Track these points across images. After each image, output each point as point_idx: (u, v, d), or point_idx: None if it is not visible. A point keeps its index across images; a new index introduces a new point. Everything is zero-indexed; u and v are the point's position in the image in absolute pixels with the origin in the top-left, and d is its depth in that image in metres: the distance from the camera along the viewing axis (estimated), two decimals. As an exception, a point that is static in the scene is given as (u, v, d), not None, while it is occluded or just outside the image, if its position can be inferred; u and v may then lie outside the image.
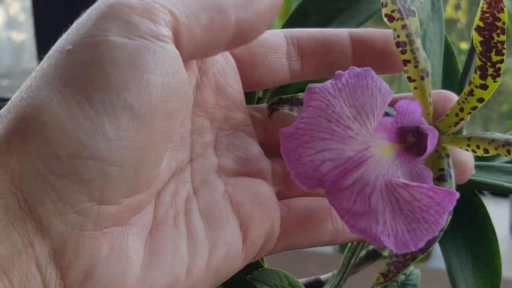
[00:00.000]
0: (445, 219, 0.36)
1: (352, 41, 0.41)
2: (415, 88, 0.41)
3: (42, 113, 0.30)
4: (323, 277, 0.57)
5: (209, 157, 0.38)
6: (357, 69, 0.37)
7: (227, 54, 0.39)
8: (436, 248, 1.15)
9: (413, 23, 0.40)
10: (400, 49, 0.40)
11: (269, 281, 0.42)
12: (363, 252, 0.56)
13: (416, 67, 0.40)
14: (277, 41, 0.41)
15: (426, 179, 0.38)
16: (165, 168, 0.35)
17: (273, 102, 0.43)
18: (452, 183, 0.41)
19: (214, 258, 0.35)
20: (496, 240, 0.48)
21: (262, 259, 0.45)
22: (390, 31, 0.40)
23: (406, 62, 0.40)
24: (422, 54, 0.40)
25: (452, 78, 0.52)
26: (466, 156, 0.43)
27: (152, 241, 0.34)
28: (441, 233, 0.40)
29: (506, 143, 0.39)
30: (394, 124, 0.38)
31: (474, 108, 0.40)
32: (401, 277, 0.47)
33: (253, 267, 0.43)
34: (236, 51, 0.39)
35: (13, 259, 0.29)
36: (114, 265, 0.32)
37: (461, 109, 0.40)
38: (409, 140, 0.39)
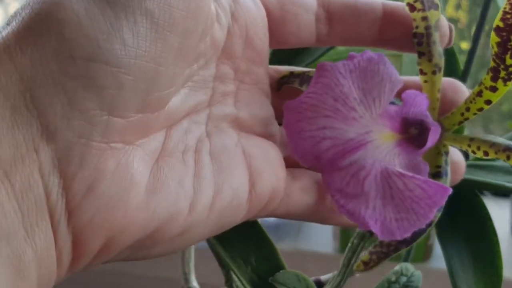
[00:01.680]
0: (434, 213, 0.36)
1: (384, 14, 0.40)
2: (425, 81, 0.40)
3: (60, 9, 0.30)
4: (323, 277, 0.57)
5: (227, 106, 0.38)
6: (370, 53, 0.37)
7: (259, 4, 0.38)
8: (437, 249, 1.15)
9: (434, 16, 0.39)
10: (417, 40, 0.40)
11: (289, 283, 0.44)
12: (363, 253, 0.56)
13: (430, 60, 0.40)
14: (308, 1, 0.40)
15: (422, 172, 0.38)
16: (181, 103, 0.35)
17: (284, 76, 0.42)
18: (447, 181, 0.41)
19: (218, 201, 0.35)
20: (497, 240, 0.48)
21: (283, 262, 0.45)
22: None
23: (420, 54, 0.40)
24: (438, 49, 0.40)
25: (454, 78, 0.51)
26: (458, 157, 0.43)
27: (158, 169, 0.33)
28: (428, 228, 0.40)
29: (506, 148, 0.38)
30: (399, 113, 0.38)
31: (481, 109, 0.40)
32: (403, 278, 0.47)
33: (275, 269, 0.44)
34: (268, 4, 0.39)
35: (15, 163, 0.29)
36: (118, 183, 0.31)
37: (467, 109, 0.40)
38: (412, 132, 0.39)
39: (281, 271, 0.44)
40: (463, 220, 0.48)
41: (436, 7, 0.39)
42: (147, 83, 0.31)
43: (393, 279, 0.47)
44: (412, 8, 0.39)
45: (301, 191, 0.39)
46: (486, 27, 0.53)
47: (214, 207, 0.35)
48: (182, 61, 0.33)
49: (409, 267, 0.47)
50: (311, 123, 0.37)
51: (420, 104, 0.38)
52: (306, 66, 0.52)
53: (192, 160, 0.35)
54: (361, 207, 0.37)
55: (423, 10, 0.39)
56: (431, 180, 0.36)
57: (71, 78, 0.29)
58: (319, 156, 0.37)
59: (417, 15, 0.39)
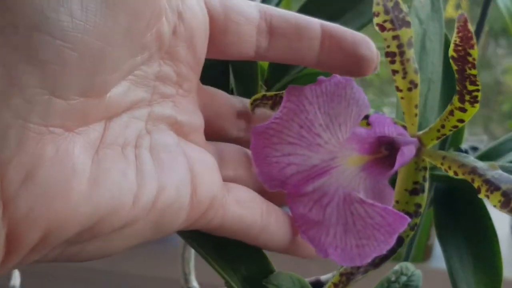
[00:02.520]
0: (394, 240, 0.37)
1: (322, 33, 0.40)
2: (402, 98, 0.41)
3: None
4: (323, 277, 0.57)
5: (168, 109, 0.36)
6: (338, 77, 0.37)
7: (205, 10, 0.37)
8: (437, 249, 1.15)
9: (406, 34, 0.39)
10: (390, 58, 0.40)
11: (283, 284, 0.43)
12: (381, 266, 0.56)
13: (404, 78, 0.40)
14: (251, 12, 0.39)
15: (387, 196, 0.38)
16: (122, 96, 0.33)
17: (256, 98, 0.43)
18: (423, 197, 0.42)
19: (162, 198, 0.33)
20: (496, 240, 0.48)
21: (272, 266, 0.45)
22: (362, 35, 0.40)
23: (394, 72, 0.40)
24: (412, 66, 0.40)
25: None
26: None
27: (99, 160, 0.31)
28: (391, 253, 0.41)
29: (471, 171, 0.38)
30: (371, 134, 0.38)
31: (455, 126, 0.40)
32: (403, 278, 0.47)
33: (267, 270, 0.44)
34: (213, 11, 0.38)
35: None
36: (59, 171, 0.29)
37: (443, 126, 0.40)
38: (382, 152, 0.39)
39: (275, 272, 0.43)
40: (463, 220, 0.48)
41: (408, 25, 0.39)
42: (92, 62, 0.30)
43: (393, 278, 0.47)
44: (382, 28, 0.39)
45: (236, 203, 0.38)
46: (486, 27, 0.53)
47: (157, 204, 0.33)
48: (129, 45, 0.32)
49: (409, 266, 0.47)
50: (277, 149, 0.38)
51: (391, 123, 0.38)
52: (299, 71, 0.52)
53: (133, 155, 0.33)
54: (322, 234, 0.38)
55: (394, 29, 0.39)
56: (389, 208, 0.37)
57: (12, 49, 0.27)
58: (284, 181, 0.38)
59: (387, 34, 0.39)
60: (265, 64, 0.54)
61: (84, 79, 0.30)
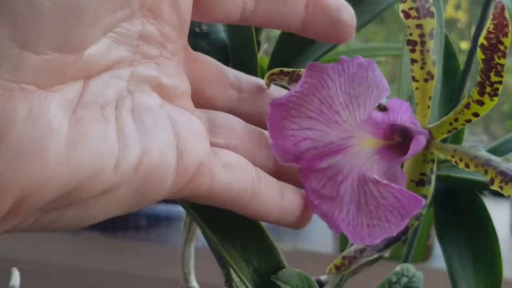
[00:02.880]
0: (406, 223, 0.37)
1: None
2: (417, 88, 0.41)
3: None
4: (323, 277, 0.57)
5: (151, 70, 0.35)
6: (361, 59, 0.37)
7: None
8: (437, 249, 1.15)
9: (430, 24, 0.39)
10: (410, 47, 0.40)
11: (292, 281, 0.43)
12: (386, 252, 0.56)
13: (422, 68, 0.40)
14: None
15: (399, 181, 0.38)
16: (102, 54, 0.31)
17: (273, 73, 0.42)
18: (430, 189, 0.42)
19: (146, 162, 0.31)
20: (496, 240, 0.48)
21: (284, 262, 0.45)
22: (342, 1, 0.39)
23: (413, 61, 0.40)
24: (432, 57, 0.40)
25: (453, 79, 0.51)
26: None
27: (78, 121, 0.29)
28: (402, 236, 0.41)
29: (485, 163, 0.38)
30: (385, 119, 0.38)
31: (469, 120, 0.40)
32: (404, 279, 0.47)
33: (277, 269, 0.44)
34: None
35: None
36: (32, 131, 0.27)
37: (456, 119, 0.40)
38: (396, 139, 0.39)
39: (283, 269, 0.44)
40: (463, 220, 0.48)
41: (432, 15, 0.39)
42: (68, 14, 0.28)
43: (394, 279, 0.47)
44: (406, 15, 0.39)
45: (224, 168, 0.37)
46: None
47: (141, 169, 0.31)
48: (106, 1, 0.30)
49: (410, 268, 0.47)
50: (295, 122, 0.38)
51: (406, 111, 0.38)
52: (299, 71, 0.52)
53: (113, 116, 0.31)
54: (335, 210, 0.38)
55: (418, 18, 0.39)
56: (405, 190, 0.37)
57: None
58: (298, 155, 0.38)
59: (411, 22, 0.39)
60: (264, 63, 0.54)
61: (59, 32, 0.28)
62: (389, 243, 0.42)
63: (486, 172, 0.38)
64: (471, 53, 0.52)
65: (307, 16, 0.39)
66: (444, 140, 0.47)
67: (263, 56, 0.60)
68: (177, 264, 0.63)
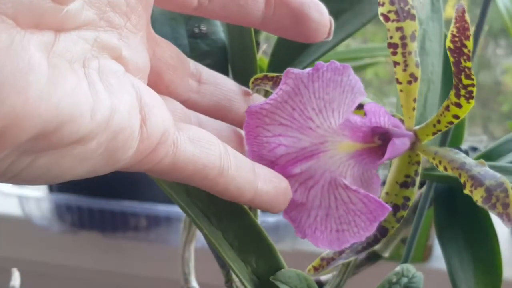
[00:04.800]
0: (374, 228, 0.37)
1: None
2: (401, 90, 0.41)
3: None
4: (323, 278, 0.57)
5: (114, 39, 0.34)
6: (336, 63, 0.37)
7: None
8: (437, 249, 1.15)
9: (410, 27, 0.39)
10: (391, 50, 0.40)
11: (291, 282, 0.43)
12: (363, 253, 0.56)
13: (404, 70, 0.40)
14: None
15: (374, 185, 0.38)
16: (78, 11, 0.31)
17: (257, 77, 0.43)
18: (413, 191, 0.42)
19: (116, 120, 0.31)
20: (497, 240, 0.48)
21: (283, 262, 0.45)
22: None
23: (395, 63, 0.40)
24: (414, 59, 0.40)
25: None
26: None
27: (53, 65, 0.29)
28: (374, 242, 0.43)
29: (459, 167, 0.39)
30: (366, 123, 0.38)
31: (451, 122, 0.40)
32: (404, 279, 0.47)
33: (275, 269, 0.44)
34: None
35: None
36: (15, 62, 0.27)
37: (439, 121, 0.41)
38: (375, 142, 0.39)
39: (282, 270, 0.44)
40: (463, 220, 0.48)
41: (413, 18, 0.39)
42: None
43: (394, 280, 0.47)
44: (386, 18, 0.39)
45: (189, 141, 0.36)
46: (486, 27, 0.53)
47: (111, 124, 0.31)
48: None
49: (410, 268, 0.47)
50: (268, 129, 0.38)
51: (385, 114, 0.39)
52: (304, 67, 0.52)
53: (82, 72, 0.31)
54: (303, 215, 0.38)
55: (398, 20, 0.39)
56: (372, 196, 0.37)
57: None
58: (273, 162, 0.39)
59: (391, 25, 0.39)
60: (264, 64, 0.54)
61: None
62: (367, 245, 0.43)
63: (460, 175, 0.38)
64: (472, 52, 0.52)
65: (268, 10, 0.39)
66: (444, 141, 0.47)
67: (262, 56, 0.60)
68: (177, 264, 0.63)
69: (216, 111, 0.42)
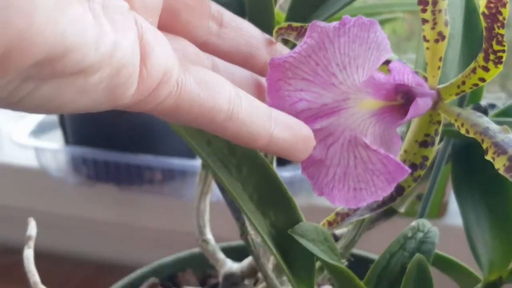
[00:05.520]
0: (392, 188, 0.37)
1: None
2: (427, 48, 0.40)
3: None
4: (338, 232, 0.57)
5: None
6: (363, 19, 0.37)
7: None
8: (451, 206, 1.15)
9: None
10: (421, 7, 0.39)
11: (308, 235, 0.44)
12: (378, 210, 0.56)
13: (433, 28, 0.39)
14: None
15: (394, 145, 0.38)
16: None
17: (282, 27, 0.43)
18: (432, 151, 0.42)
19: (119, 55, 0.31)
20: (513, 196, 0.47)
21: (301, 215, 0.45)
22: None
23: (424, 21, 0.40)
24: (443, 17, 0.39)
25: (474, 35, 0.51)
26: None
27: None
28: (390, 201, 0.42)
29: (483, 132, 0.38)
30: (390, 80, 0.38)
31: (476, 85, 0.40)
32: (419, 234, 0.47)
33: (294, 222, 0.44)
34: None
35: None
36: None
37: (463, 82, 0.40)
38: (398, 100, 0.39)
39: (300, 223, 0.44)
40: (480, 176, 0.48)
41: None
42: None
43: (410, 234, 0.47)
44: None
45: (196, 84, 0.35)
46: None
47: (115, 58, 0.31)
48: None
49: (426, 223, 0.47)
50: (290, 83, 0.38)
51: (410, 73, 0.38)
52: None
53: (86, 5, 0.30)
54: (321, 173, 0.38)
55: None
56: (391, 156, 0.37)
57: None
58: (294, 116, 0.38)
59: None
60: (281, 19, 0.54)
61: None
62: (382, 203, 0.43)
63: (482, 141, 0.38)
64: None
65: None
66: (463, 96, 0.46)
67: (279, 11, 0.60)
68: (192, 218, 0.63)
69: (237, 57, 0.42)
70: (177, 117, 0.36)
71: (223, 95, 0.36)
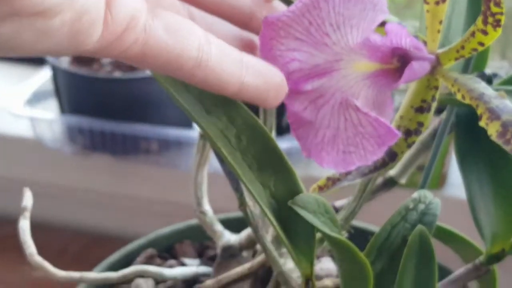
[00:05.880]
0: (382, 152, 0.37)
1: None
2: (427, 11, 0.39)
3: None
4: (337, 203, 0.57)
5: None
6: None
7: None
8: (451, 176, 1.14)
9: None
10: None
11: (309, 207, 0.43)
12: (379, 179, 0.55)
13: None
14: None
15: (386, 109, 0.38)
16: None
17: None
18: (428, 117, 0.41)
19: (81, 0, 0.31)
20: (518, 166, 0.47)
21: (302, 186, 0.45)
22: None
23: None
24: None
25: (479, 4, 0.50)
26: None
27: None
28: (382, 166, 0.42)
29: (478, 97, 0.38)
30: (386, 42, 0.37)
31: (475, 49, 0.39)
32: (421, 206, 0.46)
33: (294, 193, 0.44)
34: None
35: None
36: None
37: (463, 47, 0.39)
38: (394, 64, 0.38)
39: (300, 194, 0.43)
40: (484, 145, 0.47)
41: None
42: None
43: (411, 206, 0.46)
44: None
45: (164, 30, 0.35)
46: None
47: (76, 2, 0.31)
48: None
49: (427, 194, 0.47)
50: (282, 43, 0.37)
51: (408, 36, 0.37)
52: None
53: None
54: (310, 134, 0.38)
55: None
56: (382, 120, 0.36)
57: None
58: (286, 77, 0.37)
59: None
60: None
61: None
62: (374, 168, 0.42)
63: (477, 106, 0.37)
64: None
65: None
66: (467, 65, 0.45)
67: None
68: (189, 188, 0.63)
69: (229, 13, 0.41)
70: (144, 64, 0.35)
71: (192, 42, 0.35)
